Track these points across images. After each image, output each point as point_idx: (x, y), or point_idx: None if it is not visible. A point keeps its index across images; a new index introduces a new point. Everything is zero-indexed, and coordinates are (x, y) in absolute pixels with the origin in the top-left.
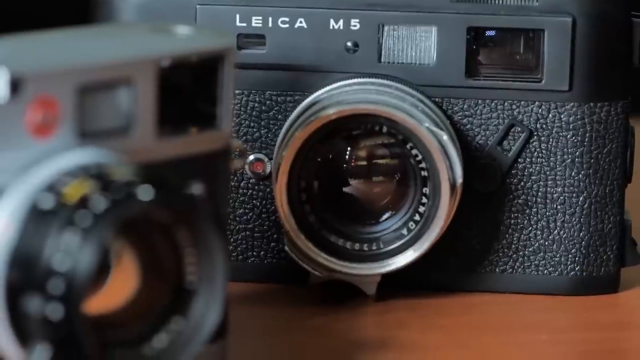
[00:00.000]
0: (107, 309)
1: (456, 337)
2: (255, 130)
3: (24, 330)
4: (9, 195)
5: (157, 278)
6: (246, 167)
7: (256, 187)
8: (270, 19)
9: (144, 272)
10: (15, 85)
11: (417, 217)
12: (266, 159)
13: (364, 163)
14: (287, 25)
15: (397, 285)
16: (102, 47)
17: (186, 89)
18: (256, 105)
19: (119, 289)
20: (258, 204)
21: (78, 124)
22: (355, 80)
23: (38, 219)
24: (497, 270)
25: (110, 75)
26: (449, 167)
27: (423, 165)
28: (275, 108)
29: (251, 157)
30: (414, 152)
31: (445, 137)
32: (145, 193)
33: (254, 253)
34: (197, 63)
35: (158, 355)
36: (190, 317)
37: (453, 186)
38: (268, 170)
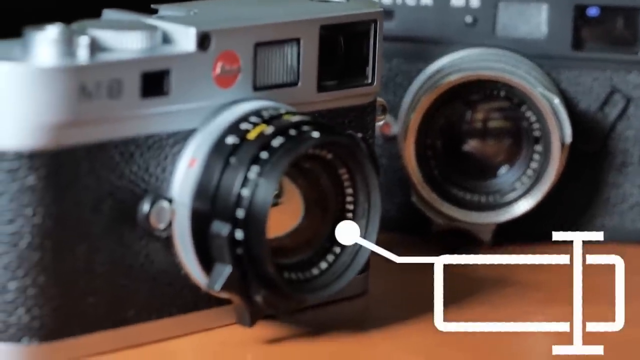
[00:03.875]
0: (277, 237)
1: (564, 276)
2: (382, 95)
3: (208, 252)
4: (198, 136)
5: (320, 210)
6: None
7: (383, 147)
8: None
9: (308, 205)
10: (203, 41)
11: (530, 173)
12: (393, 121)
13: (482, 125)
14: (414, 3)
15: (509, 235)
16: (273, 11)
17: (343, 49)
18: (384, 72)
19: (288, 219)
20: (385, 162)
21: (254, 77)
22: (474, 50)
23: (222, 154)
24: (596, 222)
25: (281, 35)
26: (560, 128)
27: (536, 126)
28: (401, 75)
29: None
30: (528, 114)
31: (556, 101)
32: (314, 134)
33: None
34: (353, 26)
35: (321, 278)
36: (348, 247)
37: (563, 145)
38: (393, 131)
